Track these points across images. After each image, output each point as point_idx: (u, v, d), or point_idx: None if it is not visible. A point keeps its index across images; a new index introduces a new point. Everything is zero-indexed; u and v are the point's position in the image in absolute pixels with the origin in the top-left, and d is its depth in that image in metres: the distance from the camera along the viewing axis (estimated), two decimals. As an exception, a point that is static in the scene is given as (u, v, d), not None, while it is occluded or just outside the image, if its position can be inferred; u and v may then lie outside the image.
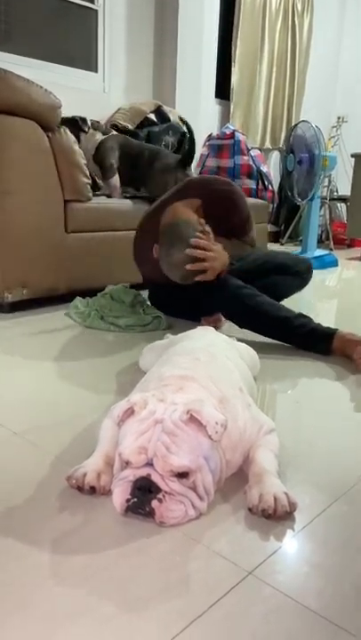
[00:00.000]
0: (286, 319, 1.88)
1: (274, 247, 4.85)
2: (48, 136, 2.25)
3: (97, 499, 0.98)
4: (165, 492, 0.88)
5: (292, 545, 0.89)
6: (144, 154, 2.85)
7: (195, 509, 0.92)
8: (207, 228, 1.90)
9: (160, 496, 0.88)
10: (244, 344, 1.59)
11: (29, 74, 2.95)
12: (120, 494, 0.90)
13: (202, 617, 0.74)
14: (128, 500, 0.89)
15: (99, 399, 1.45)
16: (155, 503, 0.88)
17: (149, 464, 0.89)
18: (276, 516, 0.93)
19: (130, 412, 0.96)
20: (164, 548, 0.87)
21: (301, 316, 1.90)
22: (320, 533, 0.93)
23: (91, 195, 2.47)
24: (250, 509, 0.95)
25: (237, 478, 1.05)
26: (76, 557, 0.84)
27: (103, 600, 0.76)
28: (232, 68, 4.60)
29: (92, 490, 0.99)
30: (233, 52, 4.59)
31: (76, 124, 2.72)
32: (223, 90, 4.68)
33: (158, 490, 0.88)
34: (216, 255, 1.87)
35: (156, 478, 0.88)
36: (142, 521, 0.91)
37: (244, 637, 0.71)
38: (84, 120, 2.80)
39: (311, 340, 1.86)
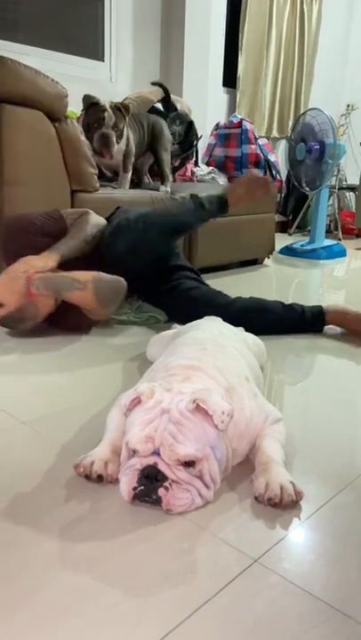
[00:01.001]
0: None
1: (282, 237, 4.82)
2: (55, 126, 2.25)
3: (104, 487, 0.99)
4: (172, 481, 0.89)
5: (297, 533, 0.90)
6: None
7: (201, 498, 0.92)
8: None
9: (167, 484, 0.89)
10: (251, 334, 1.59)
11: (36, 63, 2.94)
12: (127, 482, 0.91)
13: (208, 603, 0.74)
14: (135, 489, 0.90)
15: (105, 389, 1.45)
16: (162, 491, 0.89)
17: (156, 453, 0.90)
18: (282, 505, 0.93)
19: (137, 402, 0.97)
20: (170, 535, 0.88)
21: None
22: (326, 522, 0.93)
23: (97, 185, 2.46)
24: (256, 498, 0.96)
25: (244, 467, 1.05)
26: (84, 545, 0.85)
27: (110, 587, 0.76)
28: (239, 57, 4.56)
29: (100, 478, 1.00)
30: (240, 40, 4.54)
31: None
32: (231, 78, 4.64)
33: (165, 478, 0.89)
34: None
35: (162, 467, 0.89)
36: (149, 509, 0.92)
37: (249, 624, 0.71)
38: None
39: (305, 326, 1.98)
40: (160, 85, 3.46)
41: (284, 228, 5.38)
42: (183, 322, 1.56)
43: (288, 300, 2.04)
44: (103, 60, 3.73)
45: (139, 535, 0.87)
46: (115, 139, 2.55)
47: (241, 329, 1.57)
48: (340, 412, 1.39)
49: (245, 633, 0.70)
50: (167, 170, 3.07)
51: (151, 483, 0.89)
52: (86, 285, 1.72)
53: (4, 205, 2.16)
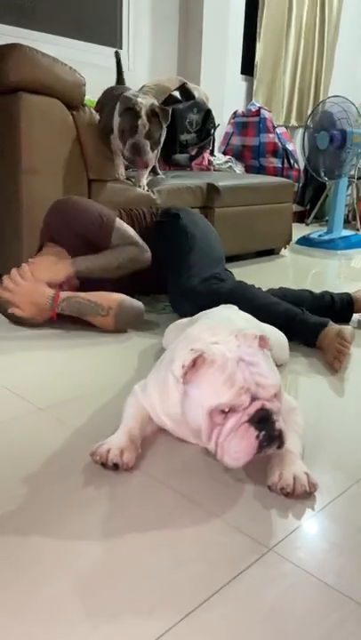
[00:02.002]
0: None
1: (299, 227, 4.78)
2: (72, 114, 2.25)
3: (119, 475, 1.00)
4: (278, 413, 0.93)
5: (312, 523, 0.90)
6: None
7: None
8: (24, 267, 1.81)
9: (280, 418, 0.93)
10: (273, 327, 1.56)
11: (55, 51, 2.93)
12: (245, 438, 0.91)
13: (222, 590, 0.75)
14: (258, 437, 0.90)
15: (119, 376, 1.46)
16: (279, 425, 0.92)
17: (254, 399, 0.92)
18: (294, 495, 0.94)
19: (199, 363, 0.95)
20: (185, 522, 0.88)
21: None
22: (340, 513, 0.93)
23: (117, 174, 2.43)
24: (269, 487, 0.96)
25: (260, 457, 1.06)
26: (100, 530, 0.86)
27: (125, 572, 0.78)
28: (256, 44, 4.50)
29: (116, 467, 1.01)
30: (258, 27, 4.48)
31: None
32: (249, 66, 4.59)
33: (274, 414, 0.92)
34: (17, 290, 1.76)
35: (269, 405, 0.92)
36: (164, 497, 0.93)
37: (263, 611, 0.72)
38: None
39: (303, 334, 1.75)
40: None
41: (301, 217, 5.33)
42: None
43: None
44: (121, 48, 3.71)
45: (154, 522, 0.88)
46: (148, 147, 2.28)
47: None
48: (357, 402, 1.38)
49: (260, 620, 0.71)
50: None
51: (266, 424, 0.91)
52: (109, 312, 1.75)
53: (23, 194, 2.17)
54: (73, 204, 1.90)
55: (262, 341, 1.00)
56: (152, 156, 2.35)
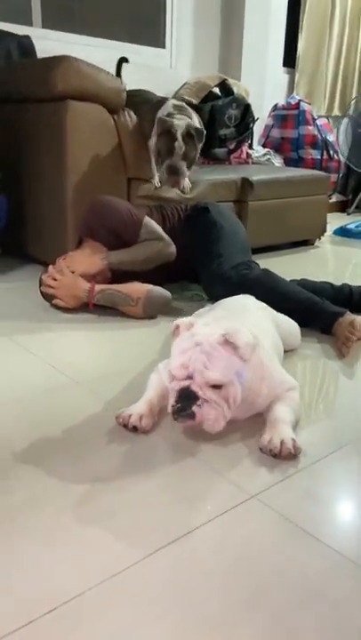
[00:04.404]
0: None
1: (339, 217, 4.83)
2: (113, 118, 2.45)
3: (137, 436, 1.21)
4: (204, 400, 1.10)
5: (293, 479, 1.08)
6: None
7: (224, 418, 1.13)
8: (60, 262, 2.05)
9: (199, 402, 1.10)
10: (285, 316, 1.71)
11: (102, 54, 3.15)
12: (171, 403, 1.13)
13: (207, 524, 0.95)
14: (173, 406, 1.12)
15: (146, 356, 1.66)
16: (195, 408, 1.10)
17: (190, 377, 1.11)
18: (281, 457, 1.12)
19: (177, 331, 1.21)
20: (185, 472, 1.09)
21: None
22: (321, 472, 1.11)
23: (153, 182, 2.56)
24: (261, 449, 1.15)
25: (257, 426, 1.24)
26: (114, 475, 1.07)
27: (128, 507, 0.99)
28: (299, 35, 4.55)
29: (135, 429, 1.22)
30: (301, 19, 4.53)
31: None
32: (292, 58, 4.66)
33: (198, 397, 1.10)
34: (58, 285, 2.00)
35: (195, 388, 1.10)
36: (170, 455, 1.14)
37: (237, 546, 0.91)
38: None
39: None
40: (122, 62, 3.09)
41: (343, 207, 5.36)
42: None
43: (341, 282, 2.13)
44: (164, 47, 3.88)
45: (158, 472, 1.09)
46: (185, 168, 2.39)
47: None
48: (351, 381, 1.54)
49: (232, 553, 0.90)
50: None
51: (186, 401, 1.10)
52: (137, 302, 1.96)
53: (68, 190, 2.40)
54: (107, 204, 2.13)
55: (226, 344, 1.12)
56: (187, 176, 2.47)
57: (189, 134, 2.34)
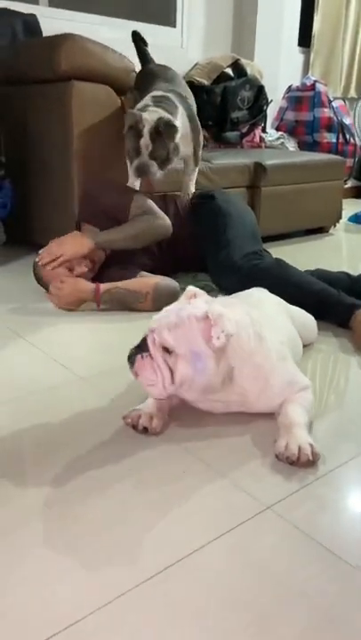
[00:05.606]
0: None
1: (356, 203, 4.70)
2: (121, 99, 2.35)
3: (147, 438, 1.14)
4: (149, 354, 1.09)
5: (310, 488, 1.00)
6: None
7: (164, 388, 1.10)
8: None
9: (144, 354, 1.10)
10: (302, 310, 1.62)
11: (111, 33, 3.03)
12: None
13: (221, 538, 0.87)
14: (131, 350, 1.13)
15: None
16: (138, 357, 1.11)
17: (153, 331, 1.11)
18: (299, 464, 1.04)
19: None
20: (196, 481, 1.01)
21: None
22: (341, 480, 1.03)
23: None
24: (276, 456, 1.07)
25: (270, 428, 1.16)
26: (120, 480, 1.00)
27: (140, 515, 0.91)
28: (314, 14, 4.39)
29: (145, 430, 1.15)
30: (317, -2, 4.37)
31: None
32: (307, 37, 4.49)
33: (146, 349, 1.10)
34: (61, 294, 1.88)
35: (149, 341, 1.10)
36: (182, 459, 1.06)
37: (251, 558, 0.84)
38: None
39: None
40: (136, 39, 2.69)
41: (359, 193, 5.22)
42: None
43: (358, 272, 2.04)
44: (175, 26, 3.75)
45: (169, 478, 1.02)
46: (155, 168, 2.05)
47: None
48: (376, 382, 1.45)
49: (247, 564, 0.83)
50: None
51: (137, 349, 1.12)
52: (146, 298, 1.88)
53: (74, 173, 2.31)
54: (98, 185, 2.11)
55: (203, 322, 1.09)
56: (160, 176, 2.12)
57: (157, 131, 1.99)
